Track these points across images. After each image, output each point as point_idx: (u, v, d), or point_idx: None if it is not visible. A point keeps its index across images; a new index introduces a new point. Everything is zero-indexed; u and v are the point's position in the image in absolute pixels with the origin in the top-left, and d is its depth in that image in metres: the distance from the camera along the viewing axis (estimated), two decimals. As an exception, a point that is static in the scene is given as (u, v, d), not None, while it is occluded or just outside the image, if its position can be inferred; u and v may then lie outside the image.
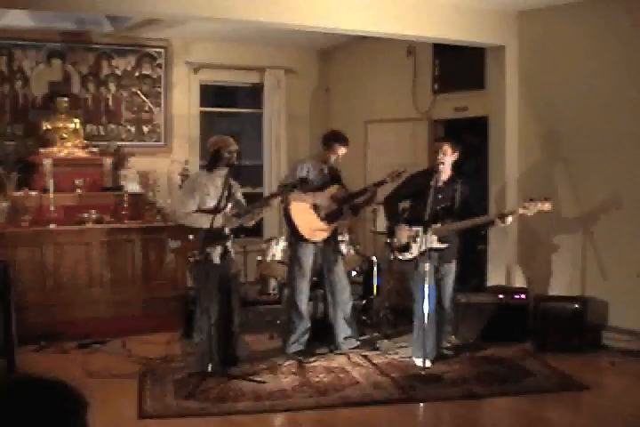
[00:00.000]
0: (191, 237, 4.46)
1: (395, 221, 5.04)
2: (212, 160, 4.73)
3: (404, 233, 4.93)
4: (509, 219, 4.70)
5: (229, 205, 4.69)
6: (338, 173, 5.39)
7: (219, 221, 4.57)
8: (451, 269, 4.99)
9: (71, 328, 5.60)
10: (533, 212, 4.61)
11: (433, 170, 4.86)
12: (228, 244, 4.75)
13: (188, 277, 6.00)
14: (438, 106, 6.87)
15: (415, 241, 4.86)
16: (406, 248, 4.93)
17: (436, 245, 4.79)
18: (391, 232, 5.07)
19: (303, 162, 5.27)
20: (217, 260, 4.66)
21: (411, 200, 5.05)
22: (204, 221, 4.48)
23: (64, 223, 6.02)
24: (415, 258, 4.85)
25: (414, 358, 4.93)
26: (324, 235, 5.19)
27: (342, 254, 5.47)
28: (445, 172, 4.87)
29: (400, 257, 5.00)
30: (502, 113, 6.06)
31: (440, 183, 4.82)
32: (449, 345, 5.32)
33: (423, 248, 4.68)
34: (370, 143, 7.47)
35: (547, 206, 4.60)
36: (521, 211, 4.66)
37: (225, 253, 4.71)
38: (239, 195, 4.87)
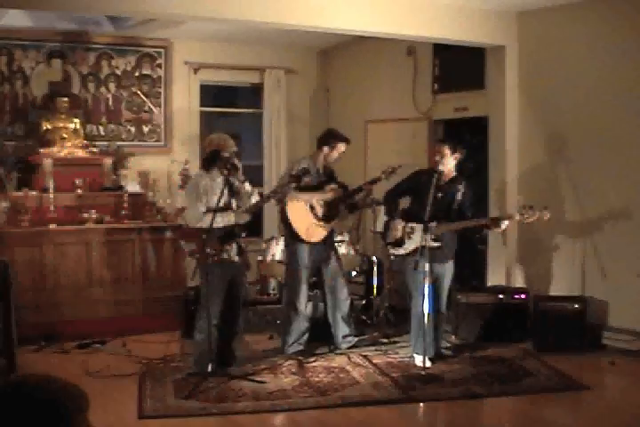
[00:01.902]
0: (205, 237, 4.45)
1: (393, 213, 5.04)
2: (209, 160, 4.72)
3: (399, 228, 4.92)
4: (505, 223, 4.68)
5: (234, 202, 4.68)
6: (333, 173, 5.39)
7: (230, 218, 4.57)
8: (446, 269, 4.95)
9: (71, 328, 5.61)
10: (532, 219, 4.62)
11: (434, 171, 4.88)
12: (242, 241, 4.75)
13: (190, 277, 6.00)
14: (438, 106, 6.87)
15: (410, 237, 4.86)
16: (400, 243, 4.93)
17: (430, 243, 4.75)
18: (388, 226, 5.08)
19: (299, 162, 5.26)
20: (235, 258, 4.66)
21: (410, 197, 5.06)
22: (217, 221, 4.47)
23: (64, 223, 6.02)
24: (408, 254, 4.85)
25: (414, 355, 4.92)
26: (321, 235, 5.19)
27: (339, 254, 5.47)
28: (447, 172, 4.87)
29: (393, 251, 5.01)
30: (502, 113, 6.06)
31: (441, 182, 4.82)
32: (449, 345, 5.32)
33: (418, 245, 4.67)
34: (370, 143, 7.47)
35: (545, 215, 4.61)
36: (517, 217, 4.67)
37: (240, 251, 4.71)
38: (247, 187, 4.78)
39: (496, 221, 4.69)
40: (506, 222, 4.68)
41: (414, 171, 5.12)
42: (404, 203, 5.16)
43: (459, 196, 4.87)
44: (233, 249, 4.64)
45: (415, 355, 4.93)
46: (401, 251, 4.94)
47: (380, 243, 6.20)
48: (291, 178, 4.86)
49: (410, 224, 4.89)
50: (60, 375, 1.40)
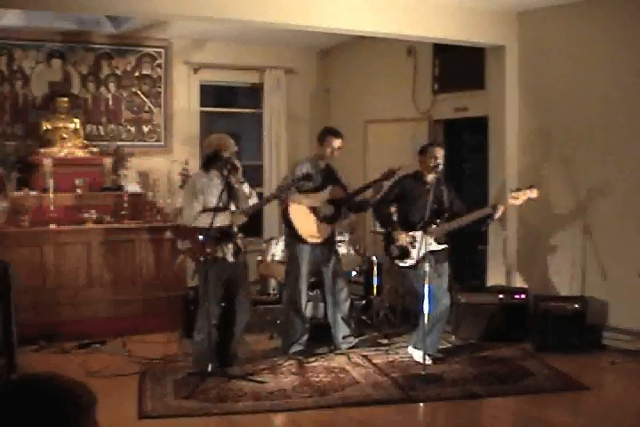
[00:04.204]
0: (201, 237, 4.45)
1: (390, 225, 5.00)
2: (209, 160, 4.72)
3: (402, 235, 4.89)
4: (500, 209, 4.75)
5: (232, 204, 4.68)
6: (337, 174, 5.39)
7: (226, 218, 4.57)
8: (446, 269, 4.97)
9: (71, 328, 5.60)
10: (522, 200, 4.75)
11: (419, 174, 4.93)
12: (239, 241, 4.74)
13: (189, 277, 6.00)
14: (438, 106, 6.86)
15: (414, 246, 4.84)
16: (405, 255, 4.90)
17: (435, 247, 4.78)
18: (388, 239, 5.03)
19: (302, 163, 5.27)
20: (231, 258, 4.66)
21: (397, 205, 5.05)
22: (213, 220, 4.46)
23: (64, 223, 6.01)
24: (417, 263, 4.84)
25: (414, 350, 4.92)
26: (323, 236, 5.19)
27: (339, 255, 5.46)
28: (432, 175, 4.88)
29: (401, 264, 4.96)
30: (502, 113, 6.06)
31: (427, 186, 4.84)
32: (449, 346, 5.32)
33: (423, 252, 4.69)
34: (370, 143, 7.47)
35: (534, 193, 4.73)
36: (510, 201, 4.76)
37: (237, 251, 4.71)
38: (246, 189, 4.76)
39: (495, 208, 4.76)
40: (501, 208, 4.76)
41: (395, 181, 5.10)
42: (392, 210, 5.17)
43: (445, 196, 4.90)
44: (229, 249, 4.64)
45: (412, 349, 4.94)
46: (409, 262, 4.91)
47: (380, 242, 6.21)
48: (292, 182, 4.87)
49: (410, 233, 4.88)
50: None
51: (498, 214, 4.78)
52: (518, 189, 4.80)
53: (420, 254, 4.74)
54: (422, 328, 4.87)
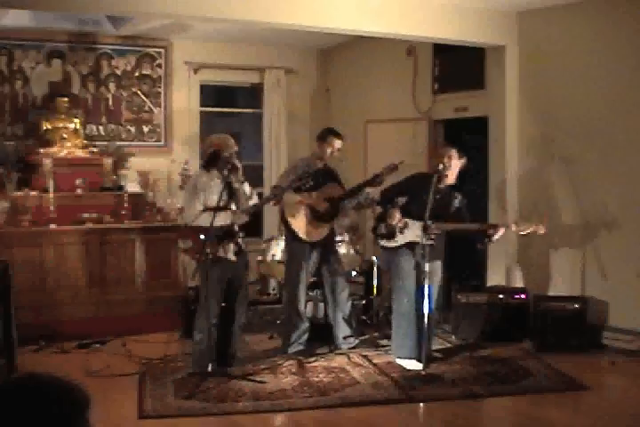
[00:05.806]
0: (202, 236, 4.45)
1: (389, 204, 4.91)
2: (209, 160, 4.72)
3: (396, 216, 4.81)
4: (501, 231, 4.67)
5: (233, 204, 4.68)
6: (335, 173, 5.40)
7: (227, 218, 4.57)
8: (435, 268, 4.86)
9: (71, 328, 5.61)
10: (526, 231, 4.69)
11: (435, 173, 4.80)
12: (240, 240, 4.75)
13: (190, 277, 6.00)
14: (438, 106, 6.87)
15: (402, 232, 4.83)
16: (391, 236, 4.86)
17: (422, 239, 4.61)
18: (381, 218, 4.98)
19: (299, 162, 5.28)
20: (233, 257, 4.66)
21: (406, 198, 5.03)
22: (212, 220, 4.46)
23: (64, 223, 6.02)
24: (399, 247, 4.81)
25: (397, 359, 4.89)
26: (321, 235, 5.19)
27: (339, 254, 5.46)
28: (450, 177, 4.85)
29: (382, 243, 4.93)
30: (502, 113, 6.06)
31: (440, 185, 4.80)
32: (441, 347, 5.30)
33: (408, 239, 4.72)
34: (370, 143, 7.47)
35: (541, 230, 4.66)
36: (513, 228, 4.73)
37: (239, 250, 4.72)
38: (246, 189, 4.76)
39: (494, 228, 4.70)
40: (502, 230, 4.68)
41: (411, 174, 5.05)
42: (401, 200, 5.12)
43: (456, 203, 4.88)
44: (231, 249, 4.64)
45: (398, 359, 4.90)
46: (392, 243, 4.87)
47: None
48: (290, 183, 4.87)
49: (405, 219, 4.86)
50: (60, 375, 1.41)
51: (496, 236, 4.69)
52: (527, 220, 4.76)
53: (405, 240, 4.75)
54: (397, 331, 4.86)
